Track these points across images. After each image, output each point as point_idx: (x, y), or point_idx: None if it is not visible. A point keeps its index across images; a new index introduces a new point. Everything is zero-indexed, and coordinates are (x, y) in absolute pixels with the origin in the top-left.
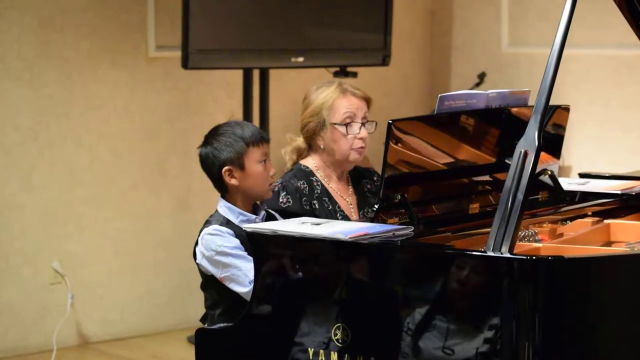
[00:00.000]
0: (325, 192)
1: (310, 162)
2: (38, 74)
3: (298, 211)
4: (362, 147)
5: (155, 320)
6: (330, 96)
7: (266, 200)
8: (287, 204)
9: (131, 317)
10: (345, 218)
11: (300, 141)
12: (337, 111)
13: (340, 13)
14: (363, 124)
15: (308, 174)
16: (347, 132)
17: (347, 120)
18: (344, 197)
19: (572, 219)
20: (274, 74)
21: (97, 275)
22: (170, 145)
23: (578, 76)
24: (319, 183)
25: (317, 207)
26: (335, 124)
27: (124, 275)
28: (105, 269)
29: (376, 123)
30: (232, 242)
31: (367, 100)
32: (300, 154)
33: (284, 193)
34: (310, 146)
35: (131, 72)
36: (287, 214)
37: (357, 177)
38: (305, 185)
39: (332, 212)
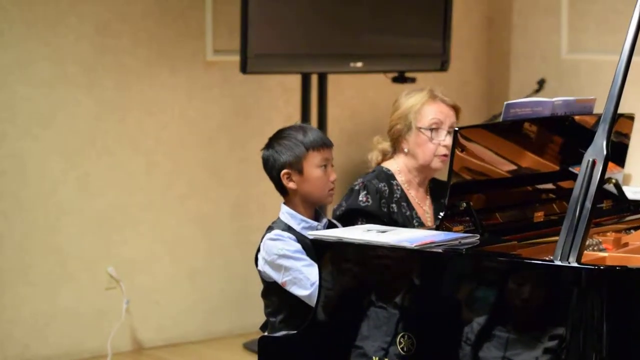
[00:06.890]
0: (404, 197)
1: (393, 165)
2: (95, 79)
3: (376, 212)
4: (445, 155)
5: (210, 326)
6: (419, 100)
7: (344, 199)
8: (367, 203)
9: (186, 323)
10: (421, 225)
11: (386, 144)
12: (424, 116)
13: (399, 18)
14: (449, 132)
15: (389, 177)
16: (432, 137)
17: (434, 126)
18: (422, 205)
19: (636, 228)
20: (332, 79)
21: (152, 280)
22: (227, 151)
23: None
24: (399, 187)
25: (395, 210)
26: (421, 128)
27: (179, 281)
28: (161, 274)
29: None
30: (293, 246)
31: (456, 109)
32: (385, 155)
33: (365, 192)
34: (395, 150)
35: (189, 77)
36: (365, 213)
37: (437, 188)
38: (386, 188)
39: (409, 217)
